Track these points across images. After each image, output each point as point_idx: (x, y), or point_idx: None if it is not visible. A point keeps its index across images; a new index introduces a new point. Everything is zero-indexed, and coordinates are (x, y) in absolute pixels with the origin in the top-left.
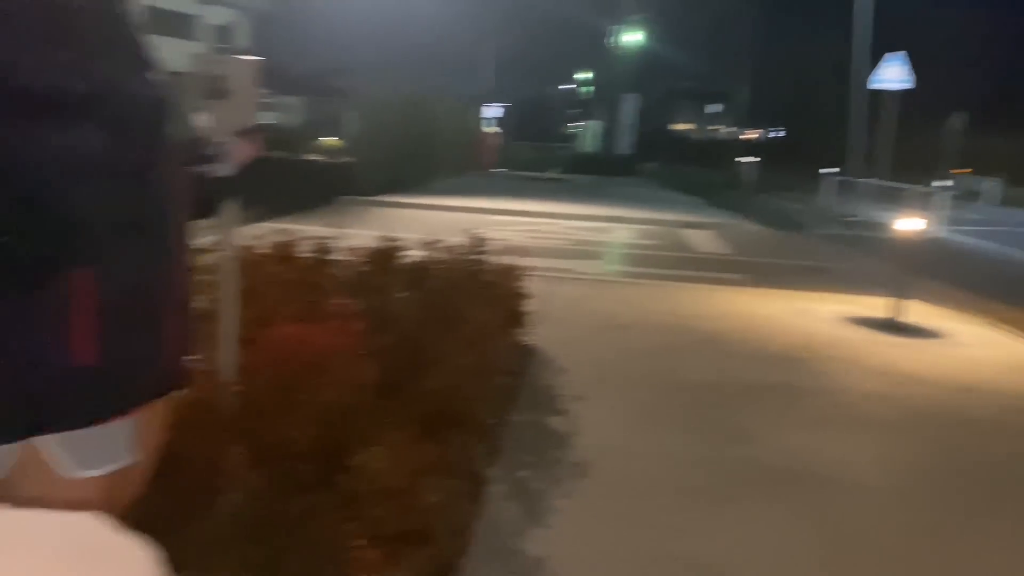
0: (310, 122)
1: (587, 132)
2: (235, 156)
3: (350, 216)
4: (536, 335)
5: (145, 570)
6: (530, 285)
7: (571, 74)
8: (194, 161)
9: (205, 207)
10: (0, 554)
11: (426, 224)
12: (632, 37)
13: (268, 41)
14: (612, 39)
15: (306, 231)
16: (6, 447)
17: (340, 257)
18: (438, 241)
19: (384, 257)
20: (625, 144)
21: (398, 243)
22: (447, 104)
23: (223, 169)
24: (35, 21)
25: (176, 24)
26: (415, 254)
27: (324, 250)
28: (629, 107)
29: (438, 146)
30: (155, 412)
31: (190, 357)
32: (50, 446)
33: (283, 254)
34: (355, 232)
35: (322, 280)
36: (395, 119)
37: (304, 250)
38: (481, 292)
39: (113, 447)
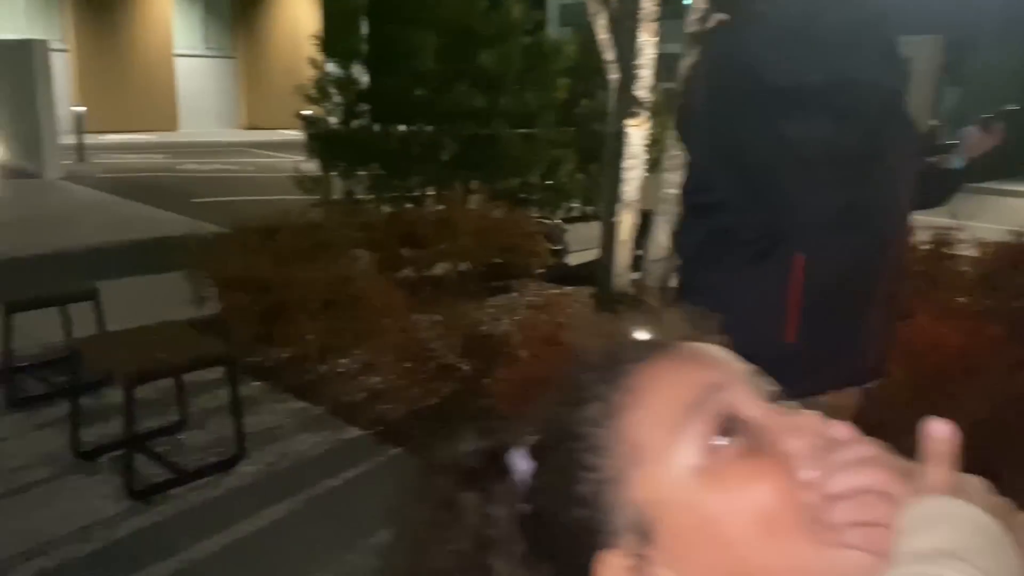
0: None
1: None
2: (972, 147)
3: (967, 205)
4: None
5: None
6: None
7: None
8: (926, 152)
9: (931, 199)
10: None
11: None
12: None
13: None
14: None
15: (917, 219)
16: None
17: (961, 251)
18: None
19: (1018, 254)
20: None
21: None
22: None
23: (956, 161)
24: (787, 20)
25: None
26: None
27: (942, 242)
28: None
29: None
30: (845, 399)
31: (888, 351)
32: None
33: None
34: (976, 224)
35: (941, 274)
36: (1017, 90)
37: (918, 240)
38: None
39: None
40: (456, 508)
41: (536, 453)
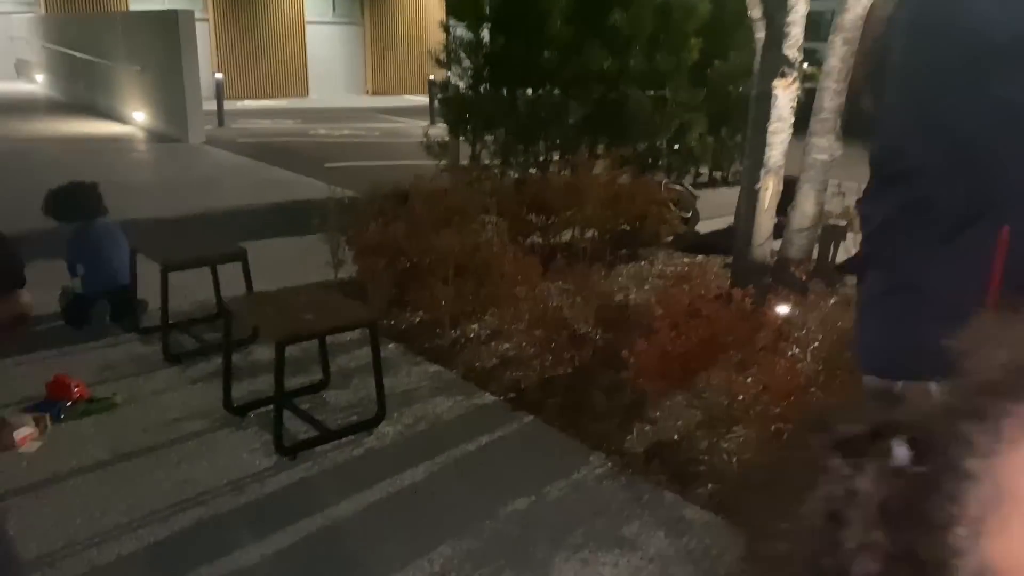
0: None
1: None
2: None
3: None
4: None
5: None
6: None
7: None
8: None
9: None
10: None
11: None
12: None
13: None
14: None
15: None
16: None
17: None
18: None
19: None
20: None
21: None
22: None
23: None
24: None
25: None
26: None
27: None
28: None
29: None
30: None
31: None
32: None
33: None
34: None
35: None
36: None
37: None
38: None
39: None
40: (825, 469)
41: (911, 452)
